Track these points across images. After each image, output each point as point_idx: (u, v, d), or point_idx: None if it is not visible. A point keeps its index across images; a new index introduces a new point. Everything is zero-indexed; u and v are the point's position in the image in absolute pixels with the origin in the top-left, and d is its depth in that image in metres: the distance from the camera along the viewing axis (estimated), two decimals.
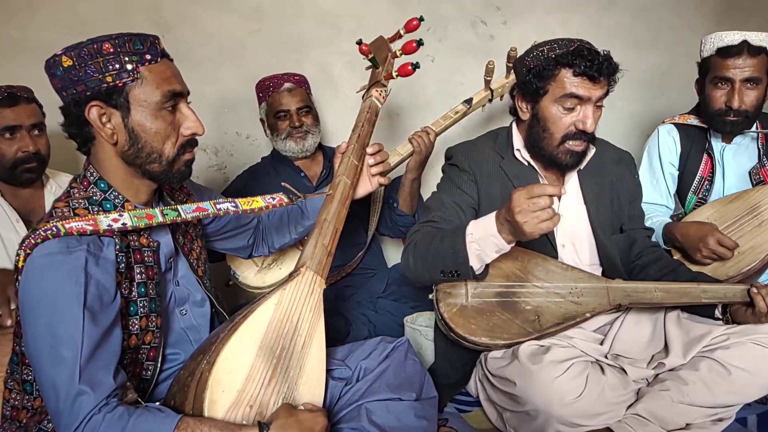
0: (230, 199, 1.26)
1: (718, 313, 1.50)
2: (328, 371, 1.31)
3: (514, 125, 1.65)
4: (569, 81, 1.44)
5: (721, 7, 3.04)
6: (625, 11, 2.94)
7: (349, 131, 2.16)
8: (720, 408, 1.39)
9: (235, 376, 1.04)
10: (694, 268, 1.72)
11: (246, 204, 1.26)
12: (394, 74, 1.64)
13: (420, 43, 1.61)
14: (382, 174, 1.55)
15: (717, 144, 2.01)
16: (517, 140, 1.61)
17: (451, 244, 1.40)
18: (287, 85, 2.11)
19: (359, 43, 1.67)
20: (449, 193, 1.60)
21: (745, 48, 1.79)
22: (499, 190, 1.59)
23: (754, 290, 1.38)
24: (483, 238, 1.36)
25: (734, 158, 1.98)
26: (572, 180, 1.62)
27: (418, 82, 2.55)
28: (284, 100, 2.10)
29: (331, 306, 2.05)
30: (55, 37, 2.26)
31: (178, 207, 1.18)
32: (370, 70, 1.75)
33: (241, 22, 2.42)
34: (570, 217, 1.60)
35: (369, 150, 1.51)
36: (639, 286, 1.49)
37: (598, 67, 1.42)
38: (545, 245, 1.58)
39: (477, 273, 1.42)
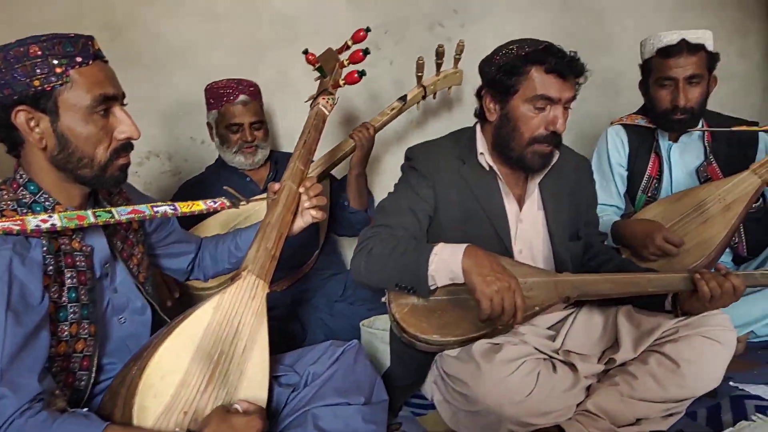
0: (169, 203, 1.23)
1: (668, 304, 1.51)
2: (276, 378, 1.29)
3: (478, 128, 1.64)
4: (540, 80, 1.44)
5: (677, 8, 3.11)
6: (581, 14, 2.98)
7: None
8: (671, 402, 1.40)
9: (168, 381, 1.01)
10: (643, 266, 1.74)
11: (186, 207, 1.24)
12: (341, 83, 1.71)
13: (366, 52, 1.69)
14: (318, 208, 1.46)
15: (664, 143, 2.06)
16: (481, 143, 1.60)
17: (414, 261, 1.40)
18: (242, 97, 2.07)
19: (305, 52, 1.73)
20: (406, 198, 1.58)
21: (684, 47, 1.84)
22: (458, 197, 1.58)
23: (698, 276, 1.39)
24: (444, 262, 1.37)
25: (681, 157, 2.03)
26: (532, 185, 1.62)
27: (376, 84, 2.54)
28: (238, 113, 2.07)
29: (287, 311, 2.06)
30: (5, 39, 2.20)
31: (112, 209, 1.15)
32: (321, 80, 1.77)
33: (194, 24, 2.38)
34: (528, 223, 1.61)
35: (310, 191, 1.42)
36: (587, 278, 1.49)
37: (569, 64, 1.44)
38: (502, 249, 1.57)
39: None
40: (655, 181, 2.04)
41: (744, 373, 1.74)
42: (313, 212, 1.38)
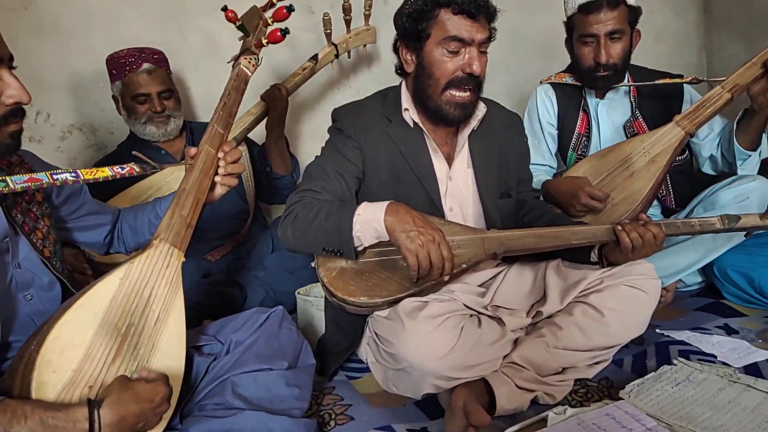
0: (70, 169, 1.16)
1: (594, 256, 1.53)
2: (198, 347, 1.26)
3: (403, 84, 1.61)
4: (450, 22, 1.42)
5: None
6: None
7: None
8: (596, 351, 1.43)
9: (68, 356, 0.96)
10: None
11: (89, 174, 1.18)
12: (264, 42, 1.62)
13: (290, 9, 1.61)
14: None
15: (592, 100, 2.07)
16: (406, 99, 1.57)
17: (337, 224, 1.38)
18: (146, 65, 1.98)
19: (224, 9, 1.63)
20: (332, 161, 1.55)
21: (604, 2, 1.83)
22: (386, 157, 1.55)
23: (619, 228, 1.41)
24: (367, 222, 1.36)
25: (608, 113, 2.04)
26: (462, 142, 1.60)
27: (308, 49, 2.47)
28: (143, 82, 1.98)
29: (224, 277, 2.06)
30: None
31: (7, 178, 1.08)
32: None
33: None
34: (458, 181, 1.60)
35: (228, 157, 1.35)
36: (512, 234, 1.50)
37: (476, 5, 1.41)
38: (433, 208, 1.56)
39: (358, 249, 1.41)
40: (584, 138, 2.05)
41: (672, 321, 1.80)
42: (227, 179, 1.33)
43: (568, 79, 2.08)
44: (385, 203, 1.38)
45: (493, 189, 1.63)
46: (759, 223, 1.46)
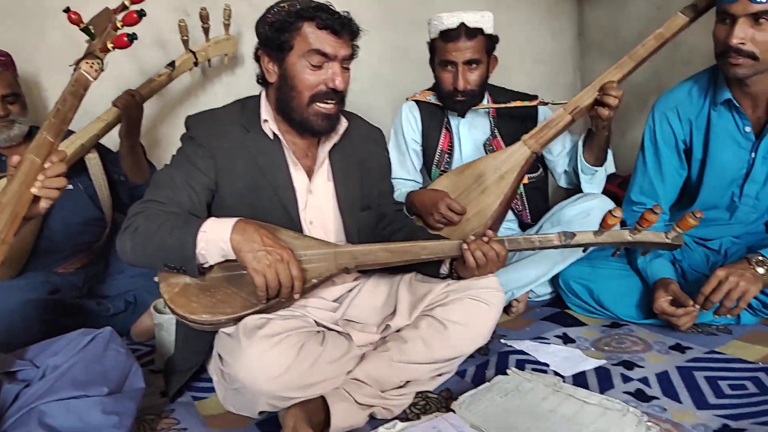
0: None
1: (444, 271, 1.57)
2: (11, 373, 1.17)
3: (263, 94, 1.58)
4: (314, 36, 1.42)
5: None
6: None
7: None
8: (439, 363, 1.47)
9: None
10: (433, 234, 1.81)
11: None
12: (109, 46, 1.57)
13: (141, 13, 1.57)
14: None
15: (454, 119, 2.15)
16: (266, 110, 1.55)
17: (180, 239, 1.33)
18: None
19: (67, 11, 1.55)
20: (182, 171, 1.49)
21: (462, 32, 1.90)
22: (242, 169, 1.51)
23: (465, 245, 1.45)
24: (212, 240, 1.32)
25: (469, 131, 2.13)
26: (323, 155, 1.60)
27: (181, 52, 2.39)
28: None
29: (80, 292, 1.99)
30: None
31: None
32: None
33: None
34: (318, 194, 1.60)
35: (48, 171, 1.25)
36: (364, 248, 1.51)
37: (340, 21, 1.43)
38: (290, 222, 1.55)
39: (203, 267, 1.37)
40: (447, 155, 2.13)
41: (518, 330, 1.89)
42: (45, 192, 1.24)
43: (431, 98, 2.15)
44: (233, 220, 1.35)
45: (354, 202, 1.64)
46: (593, 240, 1.56)
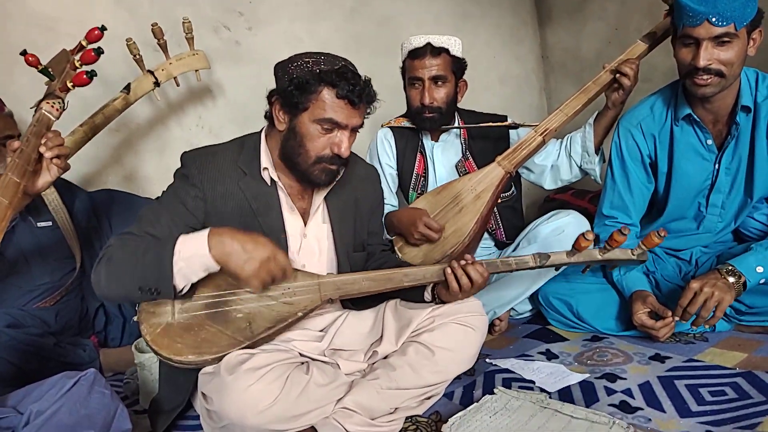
0: None
1: (427, 296, 1.59)
2: None
3: (263, 136, 1.58)
4: (330, 103, 1.43)
5: (457, 15, 3.35)
6: (369, 19, 3.09)
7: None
8: (427, 387, 1.47)
9: None
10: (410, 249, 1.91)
11: None
12: (69, 85, 1.62)
13: (99, 51, 1.62)
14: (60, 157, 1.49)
15: (428, 143, 2.21)
16: (266, 156, 1.55)
17: (156, 256, 1.31)
18: None
19: (23, 54, 1.59)
20: (170, 210, 1.48)
21: (428, 50, 2.01)
22: (234, 210, 1.51)
23: (448, 270, 1.48)
24: (190, 258, 1.31)
25: (443, 154, 2.19)
26: (319, 199, 1.62)
27: (164, 88, 2.39)
28: None
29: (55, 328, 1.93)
30: None
31: None
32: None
33: None
34: (313, 237, 1.61)
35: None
36: (347, 278, 1.53)
37: (360, 92, 1.43)
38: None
39: (181, 292, 1.36)
40: (422, 178, 2.18)
41: (502, 349, 1.91)
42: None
43: (405, 123, 2.21)
44: (204, 234, 1.33)
45: (349, 242, 1.66)
46: (566, 260, 1.62)
